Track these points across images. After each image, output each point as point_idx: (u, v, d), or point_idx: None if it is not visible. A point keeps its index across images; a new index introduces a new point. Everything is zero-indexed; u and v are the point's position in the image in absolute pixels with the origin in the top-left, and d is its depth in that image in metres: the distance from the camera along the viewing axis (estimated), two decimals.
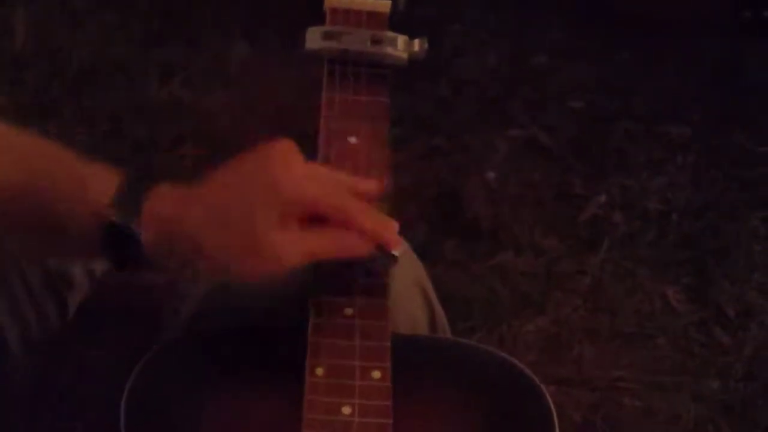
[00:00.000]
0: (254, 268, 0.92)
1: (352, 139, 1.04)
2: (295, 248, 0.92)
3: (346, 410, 0.92)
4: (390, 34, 1.09)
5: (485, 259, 1.91)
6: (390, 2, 1.11)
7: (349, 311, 0.97)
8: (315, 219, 0.94)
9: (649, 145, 2.08)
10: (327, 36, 1.08)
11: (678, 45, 2.20)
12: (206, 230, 0.91)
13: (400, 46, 1.08)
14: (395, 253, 0.98)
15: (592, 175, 2.03)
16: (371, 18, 1.10)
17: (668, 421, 1.75)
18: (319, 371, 0.94)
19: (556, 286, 1.89)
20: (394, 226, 0.97)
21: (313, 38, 1.08)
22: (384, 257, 0.98)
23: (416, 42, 1.09)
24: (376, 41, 1.08)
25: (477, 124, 2.08)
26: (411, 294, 1.07)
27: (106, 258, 0.93)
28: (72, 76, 2.08)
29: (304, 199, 0.93)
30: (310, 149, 1.02)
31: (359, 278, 0.99)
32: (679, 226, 1.98)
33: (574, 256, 1.93)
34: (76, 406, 1.03)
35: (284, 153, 0.94)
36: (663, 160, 2.06)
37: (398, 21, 1.11)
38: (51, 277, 1.07)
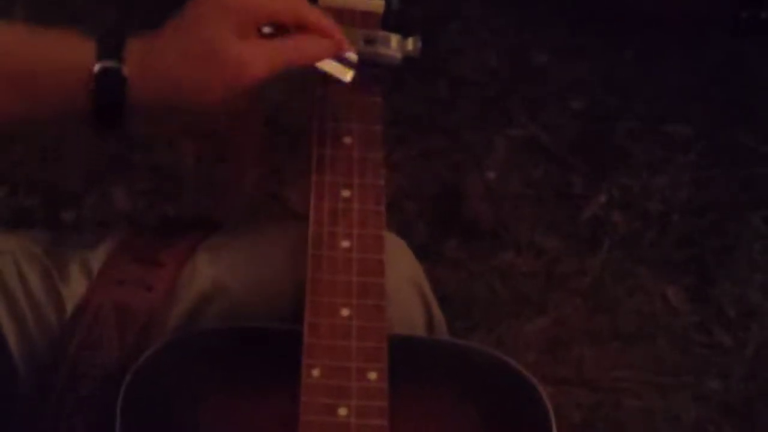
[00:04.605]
0: (223, 83, 0.95)
1: (347, 140, 1.04)
2: (256, 56, 0.96)
3: (343, 412, 0.92)
4: (383, 33, 1.09)
5: (485, 259, 1.91)
6: (383, 2, 1.12)
7: (345, 312, 0.96)
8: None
9: (649, 145, 2.07)
10: None
11: (679, 44, 2.19)
12: (177, 54, 0.95)
13: (394, 46, 1.09)
14: (351, 56, 1.02)
15: (593, 174, 2.02)
16: (364, 18, 1.10)
17: (669, 422, 1.75)
18: (315, 372, 0.94)
19: (557, 286, 1.89)
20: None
21: None
22: (342, 63, 1.02)
23: (410, 41, 1.10)
24: (369, 41, 1.08)
25: (477, 123, 2.07)
26: (407, 294, 1.07)
27: (94, 112, 0.95)
28: None
29: (255, 3, 0.97)
30: (303, 150, 1.03)
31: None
32: (680, 225, 1.98)
33: (574, 256, 1.92)
34: (75, 406, 1.02)
35: None
36: (664, 159, 2.06)
37: (393, 20, 1.11)
38: (49, 275, 1.07)
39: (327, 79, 1.03)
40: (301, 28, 1.00)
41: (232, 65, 0.95)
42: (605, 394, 1.77)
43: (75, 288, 1.06)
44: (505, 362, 1.01)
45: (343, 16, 1.10)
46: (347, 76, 1.03)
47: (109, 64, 0.94)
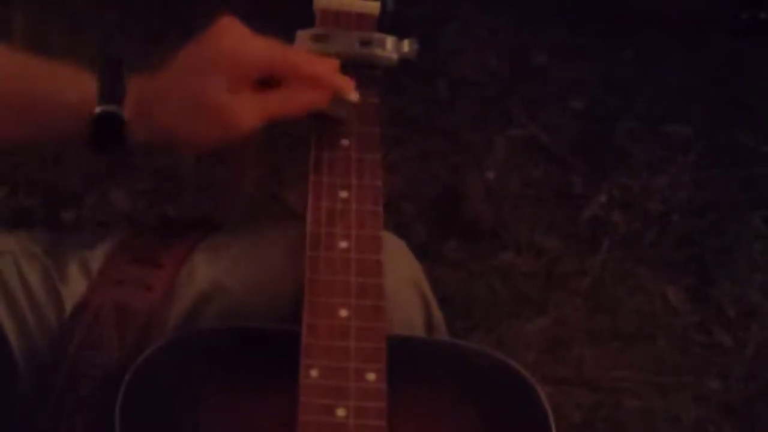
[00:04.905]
0: (215, 134, 0.99)
1: (344, 141, 1.05)
2: (249, 108, 0.98)
3: (341, 412, 0.92)
4: (379, 35, 1.09)
5: (485, 259, 1.90)
6: (378, 3, 1.12)
7: (343, 312, 0.96)
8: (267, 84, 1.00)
9: (649, 145, 2.07)
10: (316, 38, 1.09)
11: (679, 44, 2.19)
12: (171, 107, 0.98)
13: (390, 47, 1.09)
14: (352, 98, 1.02)
15: (593, 174, 2.02)
16: (360, 20, 1.11)
17: (669, 422, 1.75)
18: (314, 373, 0.94)
19: (557, 286, 1.89)
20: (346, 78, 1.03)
21: (303, 41, 1.09)
22: (342, 106, 1.02)
23: (406, 42, 1.10)
24: (365, 43, 1.09)
25: (477, 123, 2.07)
26: (407, 294, 1.07)
27: (91, 144, 0.99)
28: None
29: (249, 57, 0.99)
30: (303, 150, 1.03)
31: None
32: (680, 225, 1.98)
33: (574, 256, 1.92)
34: (75, 406, 1.02)
35: (226, 25, 1.00)
36: (664, 159, 2.06)
37: (389, 21, 1.11)
38: (49, 275, 1.07)
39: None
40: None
41: (223, 119, 0.98)
42: (605, 394, 1.77)
43: (75, 288, 1.06)
44: (505, 363, 1.00)
45: (338, 18, 1.10)
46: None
47: (110, 108, 0.98)
